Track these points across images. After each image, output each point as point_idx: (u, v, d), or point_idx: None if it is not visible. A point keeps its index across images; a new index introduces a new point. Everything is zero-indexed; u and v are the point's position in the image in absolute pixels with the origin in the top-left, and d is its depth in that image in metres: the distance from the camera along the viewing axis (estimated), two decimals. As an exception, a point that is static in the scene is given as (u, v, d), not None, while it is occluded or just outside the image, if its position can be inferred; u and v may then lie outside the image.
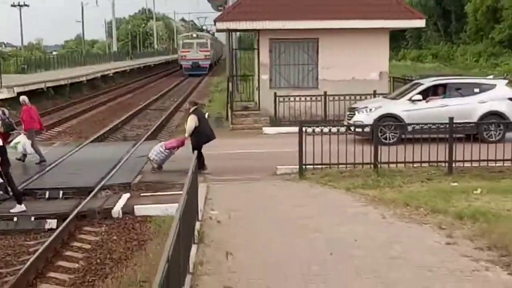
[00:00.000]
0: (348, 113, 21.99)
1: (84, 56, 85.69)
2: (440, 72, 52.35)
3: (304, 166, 16.32)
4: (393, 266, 9.52)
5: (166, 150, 17.59)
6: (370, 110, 20.91)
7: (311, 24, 25.38)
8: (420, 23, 26.03)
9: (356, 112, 21.24)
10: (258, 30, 26.05)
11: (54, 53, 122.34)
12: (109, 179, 16.72)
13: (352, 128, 19.32)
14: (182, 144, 17.66)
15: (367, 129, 18.59)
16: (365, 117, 20.69)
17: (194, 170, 12.42)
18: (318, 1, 26.01)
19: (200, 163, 17.42)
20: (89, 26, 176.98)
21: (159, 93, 50.29)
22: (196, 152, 13.81)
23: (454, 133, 16.32)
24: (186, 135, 17.39)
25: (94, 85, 57.32)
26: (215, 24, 27.99)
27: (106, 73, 63.79)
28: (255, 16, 25.61)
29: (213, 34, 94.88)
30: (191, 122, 17.24)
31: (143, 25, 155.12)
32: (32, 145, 19.50)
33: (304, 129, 16.32)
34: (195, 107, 17.68)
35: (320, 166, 16.42)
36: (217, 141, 22.47)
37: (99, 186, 15.91)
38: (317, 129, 16.62)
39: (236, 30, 27.73)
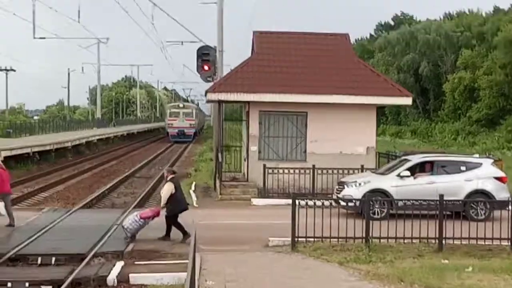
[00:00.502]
0: (337, 186, 22.20)
1: (68, 122, 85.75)
2: (420, 148, 53.01)
3: (296, 239, 16.35)
4: None
5: (141, 220, 17.48)
6: (359, 184, 21.14)
7: (300, 97, 25.82)
8: (407, 100, 26.57)
9: (345, 186, 21.44)
10: (249, 102, 26.42)
11: (36, 117, 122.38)
12: (101, 246, 16.56)
13: (341, 202, 19.44)
14: (157, 214, 17.59)
15: (355, 204, 18.83)
16: (354, 191, 20.91)
17: (195, 242, 12.47)
18: (308, 76, 26.53)
19: (182, 231, 17.42)
20: (71, 92, 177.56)
21: (144, 161, 50.27)
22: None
23: (432, 210, 16.55)
24: (162, 203, 17.34)
25: (78, 150, 57.22)
26: (205, 95, 28.40)
27: (90, 139, 63.80)
28: (246, 88, 26.02)
29: (197, 104, 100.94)
30: (167, 190, 17.29)
31: (126, 92, 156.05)
32: (6, 207, 19.48)
33: (297, 201, 16.40)
34: (172, 175, 17.72)
35: (312, 239, 16.46)
36: (208, 211, 22.71)
37: (92, 253, 15.75)
38: (310, 202, 16.73)
39: (227, 102, 28.08)
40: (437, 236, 16.32)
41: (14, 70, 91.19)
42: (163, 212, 17.47)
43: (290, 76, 26.49)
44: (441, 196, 16.46)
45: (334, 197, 21.27)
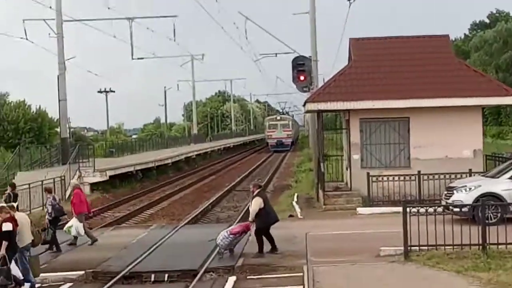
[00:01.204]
0: (446, 192, 21.56)
1: (166, 139, 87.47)
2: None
3: (409, 247, 15.91)
4: None
5: (231, 235, 17.52)
6: (470, 189, 20.46)
7: (401, 103, 25.28)
8: (514, 100, 25.57)
9: (454, 191, 20.80)
10: (348, 110, 26.10)
11: (134, 136, 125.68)
12: (211, 261, 16.65)
13: (450, 208, 18.82)
14: (247, 228, 17.67)
15: (465, 209, 18.17)
16: (464, 196, 20.25)
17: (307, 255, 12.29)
18: (407, 80, 25.97)
19: (272, 245, 17.32)
20: (166, 110, 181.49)
21: (243, 174, 50.65)
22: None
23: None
24: (250, 219, 17.34)
25: (178, 167, 58.29)
26: (304, 105, 28.25)
27: (189, 155, 64.87)
28: (345, 97, 25.70)
29: (292, 116, 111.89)
30: (256, 205, 17.27)
31: (220, 107, 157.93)
32: (84, 228, 19.95)
33: (408, 209, 15.96)
34: (259, 189, 17.65)
35: (425, 247, 15.97)
36: (313, 222, 22.51)
37: (203, 269, 15.85)
38: (421, 209, 16.24)
39: (326, 111, 27.85)
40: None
41: (114, 91, 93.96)
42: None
43: (389, 82, 25.99)
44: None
45: (443, 203, 20.65)
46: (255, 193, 17.62)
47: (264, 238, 17.65)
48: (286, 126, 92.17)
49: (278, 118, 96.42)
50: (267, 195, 18.27)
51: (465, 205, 18.70)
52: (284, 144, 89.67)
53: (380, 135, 26.04)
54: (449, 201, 20.45)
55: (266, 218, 17.41)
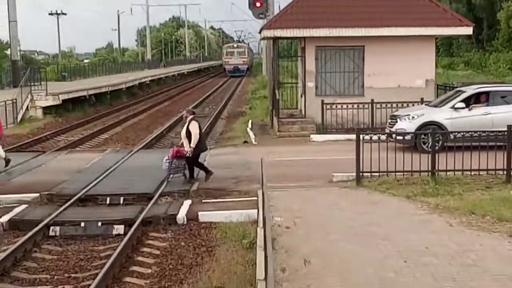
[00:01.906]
0: (389, 120, 21.91)
1: (120, 64, 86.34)
2: (474, 80, 51.84)
3: (361, 174, 16.24)
4: (471, 275, 9.41)
5: (167, 160, 17.42)
6: (412, 117, 20.83)
7: (357, 31, 25.32)
8: (468, 30, 25.78)
9: (398, 120, 21.14)
10: (304, 38, 26.06)
11: (86, 61, 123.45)
12: (166, 186, 16.74)
13: (393, 136, 19.17)
14: (177, 152, 17.36)
15: (408, 137, 18.63)
16: (407, 124, 20.63)
17: (263, 179, 12.47)
18: (364, 8, 25.95)
19: (205, 169, 17.45)
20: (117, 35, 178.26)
21: (197, 101, 50.51)
22: None
23: (499, 141, 16.17)
24: (192, 144, 17.02)
25: (132, 92, 57.84)
26: (260, 32, 28.08)
27: (143, 81, 64.31)
28: (301, 24, 25.62)
29: (248, 44, 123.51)
30: (196, 128, 17.05)
31: (174, 32, 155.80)
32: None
33: (361, 136, 16.21)
34: (192, 115, 17.42)
35: (376, 174, 16.32)
36: (268, 148, 22.72)
37: (158, 193, 15.95)
38: (375, 137, 16.52)
39: (282, 38, 27.76)
40: (505, 167, 16.00)
41: (65, 14, 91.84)
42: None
43: (346, 10, 25.94)
44: (510, 126, 16.05)
45: (387, 131, 21.03)
46: (189, 119, 17.35)
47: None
48: (242, 54, 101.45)
49: (235, 46, 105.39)
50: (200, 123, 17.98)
51: (409, 133, 19.10)
52: (240, 69, 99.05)
53: (335, 63, 26.15)
54: (392, 129, 20.80)
55: (201, 145, 17.29)
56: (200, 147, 17.29)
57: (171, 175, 17.28)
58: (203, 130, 17.99)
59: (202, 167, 17.57)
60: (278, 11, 32.75)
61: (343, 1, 26.36)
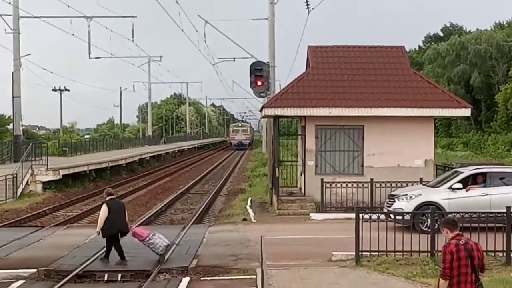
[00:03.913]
0: (387, 200, 21.99)
1: (120, 140, 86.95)
2: (472, 161, 52.15)
3: (360, 253, 16.21)
4: None
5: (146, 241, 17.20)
6: (410, 197, 20.91)
7: (357, 111, 25.69)
8: (466, 112, 26.18)
9: (396, 199, 21.23)
10: (305, 117, 26.40)
11: (87, 136, 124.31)
12: (164, 262, 16.68)
13: (392, 216, 19.19)
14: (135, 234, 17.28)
15: (407, 217, 18.65)
16: (405, 204, 20.70)
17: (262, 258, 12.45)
18: (364, 89, 26.41)
19: (107, 252, 17.16)
20: (118, 112, 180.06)
21: (197, 177, 50.69)
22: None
23: (498, 222, 16.20)
24: (98, 227, 17.02)
25: (132, 168, 58.06)
26: (261, 110, 28.46)
27: (143, 156, 64.63)
28: (301, 103, 26.03)
29: (249, 123, 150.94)
30: (102, 212, 16.99)
31: (175, 109, 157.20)
32: None
33: (361, 215, 16.26)
34: (110, 197, 17.36)
35: (376, 253, 16.29)
36: (267, 226, 22.69)
37: (157, 269, 15.88)
38: (374, 216, 16.57)
39: (283, 117, 28.14)
40: (504, 249, 15.98)
41: (68, 90, 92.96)
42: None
43: (346, 90, 26.40)
44: (509, 207, 16.13)
45: (385, 210, 21.07)
46: (105, 200, 17.35)
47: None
48: (245, 131, 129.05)
49: (240, 125, 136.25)
50: (119, 203, 17.90)
51: (409, 213, 19.13)
52: (244, 144, 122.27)
53: (335, 142, 26.40)
54: (390, 209, 20.84)
55: (112, 227, 17.02)
56: (108, 229, 16.97)
57: (159, 254, 17.13)
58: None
59: (107, 250, 17.25)
60: (278, 90, 33.26)
61: (343, 82, 26.86)
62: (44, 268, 16.00)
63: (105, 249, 17.58)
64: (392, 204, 21.20)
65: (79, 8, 72.53)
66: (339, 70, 27.46)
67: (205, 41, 41.80)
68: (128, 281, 15.38)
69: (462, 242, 8.92)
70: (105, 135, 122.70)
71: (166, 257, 17.03)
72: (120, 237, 17.18)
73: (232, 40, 37.84)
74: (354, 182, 25.05)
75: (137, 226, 24.25)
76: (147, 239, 17.03)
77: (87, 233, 21.87)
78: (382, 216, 16.78)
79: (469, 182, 21.04)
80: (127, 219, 17.55)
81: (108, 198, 17.34)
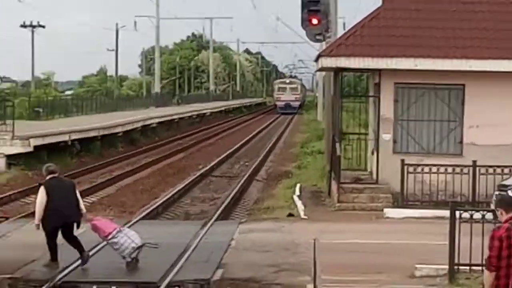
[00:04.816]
0: (497, 192, 21.85)
1: (116, 99, 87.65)
2: None
3: (456, 267, 16.20)
4: None
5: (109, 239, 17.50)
6: None
7: (455, 63, 25.51)
8: None
9: (509, 192, 21.14)
10: (380, 71, 26.30)
11: (69, 92, 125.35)
12: (177, 272, 16.87)
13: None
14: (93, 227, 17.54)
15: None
16: None
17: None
18: (466, 31, 26.21)
19: (52, 254, 17.35)
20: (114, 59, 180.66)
21: (223, 154, 50.85)
22: None
23: None
24: (36, 221, 17.23)
25: (132, 138, 58.48)
26: (316, 60, 28.41)
27: (147, 123, 65.02)
28: (375, 51, 25.93)
29: (301, 80, 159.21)
30: (40, 197, 17.11)
31: (193, 57, 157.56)
32: None
33: (458, 213, 16.22)
34: (51, 175, 17.46)
35: (479, 268, 16.25)
36: (322, 225, 22.77)
37: (166, 282, 16.07)
38: (477, 215, 16.51)
39: (348, 70, 28.02)
40: None
41: (43, 27, 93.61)
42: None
43: (440, 33, 26.20)
44: None
45: (493, 207, 20.94)
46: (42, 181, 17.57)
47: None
48: (294, 90, 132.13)
49: (287, 81, 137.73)
50: (64, 183, 17.94)
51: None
52: (292, 106, 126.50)
53: (422, 108, 26.32)
54: None
55: (49, 217, 17.20)
56: (51, 221, 17.15)
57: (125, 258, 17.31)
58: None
59: (50, 248, 17.45)
60: (343, 32, 33.16)
61: (436, 21, 26.65)
62: (8, 276, 16.25)
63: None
64: (503, 197, 21.07)
65: None
66: (430, 4, 27.24)
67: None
68: (125, 297, 15.58)
69: None
70: (95, 92, 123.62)
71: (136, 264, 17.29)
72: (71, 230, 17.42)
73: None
74: (449, 165, 24.92)
75: (140, 219, 24.61)
76: (110, 236, 17.25)
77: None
78: (489, 216, 16.70)
79: None
80: (81, 204, 17.73)
81: (49, 177, 17.54)
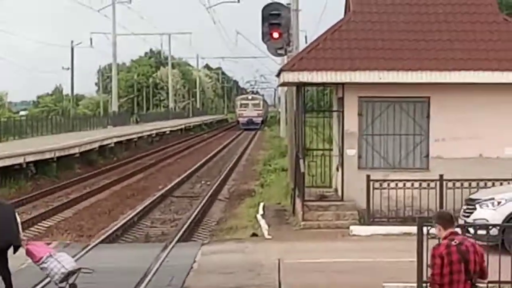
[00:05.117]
0: (465, 207, 21.99)
1: (72, 119, 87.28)
2: None
3: (425, 284, 16.21)
4: None
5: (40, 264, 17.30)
6: (499, 203, 20.95)
7: (420, 76, 25.58)
8: None
9: (477, 206, 21.24)
10: (343, 84, 26.33)
11: (23, 112, 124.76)
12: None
13: (471, 230, 19.11)
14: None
15: (494, 231, 18.52)
16: (490, 213, 20.72)
17: None
18: (430, 43, 26.31)
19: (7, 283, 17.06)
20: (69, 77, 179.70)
21: (183, 173, 50.86)
22: None
23: None
24: None
25: (89, 159, 58.25)
26: (278, 75, 28.43)
27: (105, 143, 64.81)
28: (338, 64, 25.93)
29: (262, 95, 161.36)
30: None
31: (151, 74, 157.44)
32: None
33: (425, 229, 16.24)
34: None
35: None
36: (287, 245, 22.75)
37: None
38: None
39: (310, 84, 28.11)
40: None
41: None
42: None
43: (404, 45, 26.28)
44: None
45: (460, 222, 21.04)
46: None
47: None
48: (257, 106, 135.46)
49: (250, 97, 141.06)
50: (5, 205, 17.83)
51: (495, 225, 19.00)
52: (255, 122, 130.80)
53: (387, 121, 26.34)
54: (469, 220, 20.84)
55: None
56: None
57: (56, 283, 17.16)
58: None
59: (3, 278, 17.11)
60: (304, 45, 33.22)
61: (400, 32, 26.74)
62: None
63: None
64: (471, 213, 21.20)
65: None
66: (394, 16, 27.35)
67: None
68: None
69: (455, 242, 10.05)
70: (50, 112, 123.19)
71: None
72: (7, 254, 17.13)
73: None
74: (416, 180, 24.98)
75: (98, 242, 24.47)
76: (40, 261, 17.06)
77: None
78: (457, 230, 16.73)
79: None
80: (20, 227, 17.43)
81: None
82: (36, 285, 18.02)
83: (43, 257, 17.07)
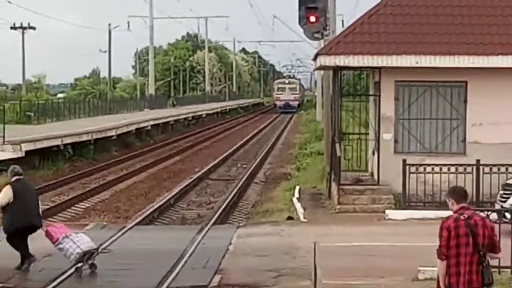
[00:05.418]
0: (501, 192, 21.93)
1: (109, 101, 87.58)
2: None
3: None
4: None
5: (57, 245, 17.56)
6: None
7: (456, 60, 25.47)
8: None
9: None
10: (380, 69, 26.26)
11: (61, 95, 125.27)
12: (174, 278, 16.85)
13: (507, 215, 19.01)
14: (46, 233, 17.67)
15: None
16: None
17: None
18: (469, 27, 26.17)
19: (23, 255, 17.46)
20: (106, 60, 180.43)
21: (220, 156, 50.92)
22: None
23: None
24: None
25: (126, 142, 58.52)
26: (315, 59, 28.37)
27: (142, 125, 65.04)
28: (375, 49, 25.88)
29: (299, 79, 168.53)
30: (5, 197, 17.28)
31: (188, 57, 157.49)
32: None
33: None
34: (16, 177, 17.63)
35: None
36: (322, 228, 22.75)
37: (162, 289, 16.08)
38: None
39: (347, 68, 28.00)
40: None
41: (34, 28, 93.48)
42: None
43: (442, 29, 26.14)
44: None
45: (497, 206, 20.94)
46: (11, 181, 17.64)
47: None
48: (293, 90, 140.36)
49: (287, 81, 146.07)
50: (30, 187, 18.28)
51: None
52: (291, 106, 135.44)
53: (423, 106, 26.29)
54: (506, 205, 20.76)
55: (10, 221, 17.36)
56: (18, 222, 17.30)
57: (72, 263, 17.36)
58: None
59: (19, 250, 17.58)
60: (341, 29, 33.10)
61: (438, 16, 26.60)
62: (0, 286, 16.19)
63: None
64: (508, 197, 21.14)
65: None
66: (431, 0, 27.20)
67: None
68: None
69: (464, 216, 10.19)
70: (87, 94, 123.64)
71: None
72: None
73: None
74: (452, 165, 24.88)
75: (135, 224, 24.59)
76: (57, 242, 17.34)
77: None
78: (494, 216, 16.65)
79: None
80: (40, 209, 17.94)
81: (14, 178, 17.67)
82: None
83: (60, 238, 17.31)
